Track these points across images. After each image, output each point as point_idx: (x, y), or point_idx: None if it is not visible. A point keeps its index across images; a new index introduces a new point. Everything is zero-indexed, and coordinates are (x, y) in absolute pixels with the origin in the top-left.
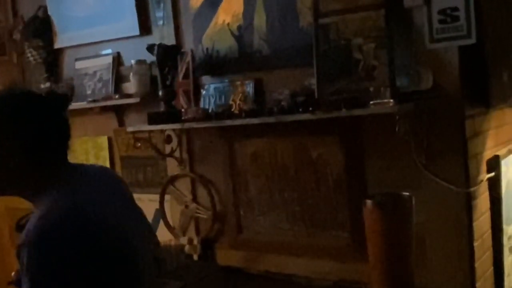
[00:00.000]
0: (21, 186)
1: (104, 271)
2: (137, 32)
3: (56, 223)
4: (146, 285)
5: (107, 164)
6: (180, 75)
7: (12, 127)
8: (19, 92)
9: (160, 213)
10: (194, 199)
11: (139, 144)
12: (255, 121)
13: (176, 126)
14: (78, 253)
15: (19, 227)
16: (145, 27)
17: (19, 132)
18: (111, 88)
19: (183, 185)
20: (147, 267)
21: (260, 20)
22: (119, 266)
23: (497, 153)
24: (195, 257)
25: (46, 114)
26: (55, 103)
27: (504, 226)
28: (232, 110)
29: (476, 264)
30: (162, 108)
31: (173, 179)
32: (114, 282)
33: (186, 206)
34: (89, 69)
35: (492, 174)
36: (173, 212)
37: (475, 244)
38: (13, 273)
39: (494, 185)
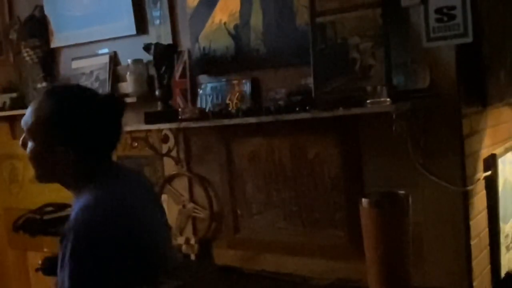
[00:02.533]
0: (70, 176)
1: (137, 259)
2: (134, 32)
3: (103, 214)
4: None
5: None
6: (177, 75)
7: (70, 125)
8: (82, 90)
9: None
10: (191, 198)
11: (136, 144)
12: (252, 120)
13: (173, 125)
14: (118, 241)
15: (16, 227)
16: (141, 27)
17: (76, 131)
18: (107, 87)
19: (180, 185)
20: (167, 258)
21: (256, 19)
22: (147, 257)
23: (494, 151)
24: (193, 256)
25: (105, 116)
26: (114, 106)
27: (501, 225)
28: (229, 109)
29: (473, 263)
30: (159, 107)
31: (170, 178)
32: (140, 269)
33: (183, 206)
34: (85, 69)
35: (489, 172)
36: (170, 211)
37: (472, 242)
38: (40, 261)
39: (491, 183)
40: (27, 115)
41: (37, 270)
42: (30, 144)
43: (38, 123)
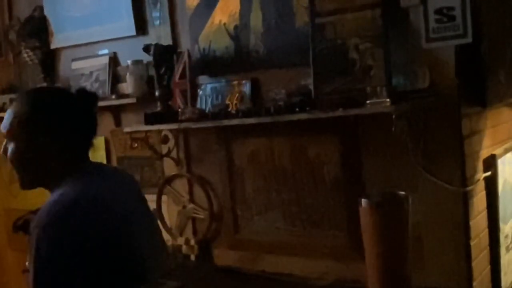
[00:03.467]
0: (52, 174)
1: (108, 258)
2: (134, 32)
3: (67, 207)
4: (152, 277)
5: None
6: (177, 75)
7: (48, 121)
8: (55, 89)
9: (157, 213)
10: (191, 199)
11: (136, 145)
12: (252, 121)
13: (173, 126)
14: (85, 237)
15: (16, 228)
16: (141, 27)
17: (53, 126)
18: (107, 88)
19: (180, 186)
20: (154, 262)
21: (256, 20)
22: (123, 256)
23: (494, 152)
24: (193, 257)
25: (79, 110)
26: (86, 100)
27: (501, 225)
28: (229, 110)
29: (473, 263)
30: (158, 108)
31: (170, 179)
32: (117, 269)
33: (183, 207)
34: (85, 70)
35: (489, 173)
36: (170, 212)
37: (472, 243)
38: (27, 262)
39: (491, 184)
40: (6, 119)
41: (24, 271)
42: (12, 147)
43: (19, 123)
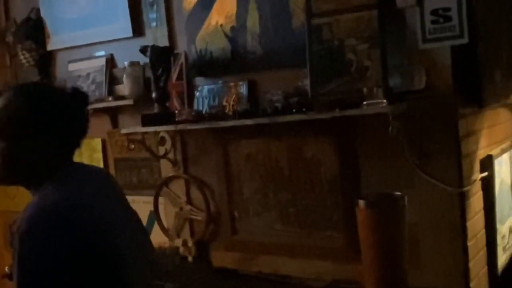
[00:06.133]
0: (34, 174)
1: (91, 263)
2: (130, 34)
3: (47, 212)
4: (139, 284)
5: (101, 166)
6: (174, 77)
7: (42, 119)
8: (49, 86)
9: (155, 215)
10: (189, 201)
11: (133, 146)
12: (248, 122)
13: (170, 127)
14: (66, 242)
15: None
16: (138, 29)
17: (47, 125)
18: (104, 90)
19: (177, 187)
20: (139, 269)
21: (253, 21)
22: (105, 261)
23: (490, 152)
24: (190, 258)
25: (72, 110)
26: (80, 99)
27: (498, 225)
28: (226, 111)
29: (470, 264)
30: (155, 109)
31: (167, 181)
32: (100, 275)
33: (181, 208)
34: (82, 71)
35: (486, 173)
36: (167, 214)
37: (469, 243)
38: (6, 267)
39: (488, 184)
40: None
41: (3, 277)
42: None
43: (10, 121)
